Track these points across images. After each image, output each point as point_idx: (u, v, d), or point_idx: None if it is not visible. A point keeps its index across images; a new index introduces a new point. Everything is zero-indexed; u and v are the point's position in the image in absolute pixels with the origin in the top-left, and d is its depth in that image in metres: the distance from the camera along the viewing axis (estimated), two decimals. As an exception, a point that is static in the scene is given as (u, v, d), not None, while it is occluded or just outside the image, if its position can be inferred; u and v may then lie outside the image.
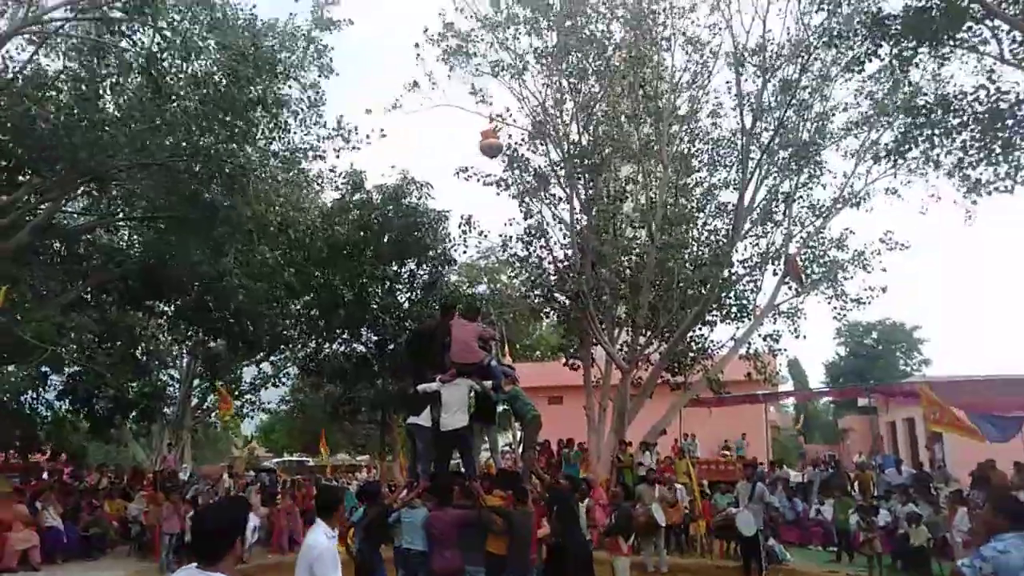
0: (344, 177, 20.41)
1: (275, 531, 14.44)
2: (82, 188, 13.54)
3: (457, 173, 16.40)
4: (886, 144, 13.09)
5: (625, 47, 15.55)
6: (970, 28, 10.98)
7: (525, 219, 16.70)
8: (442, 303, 11.58)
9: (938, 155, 11.99)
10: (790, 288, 16.61)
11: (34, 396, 17.54)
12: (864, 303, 16.56)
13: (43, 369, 16.07)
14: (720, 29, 15.13)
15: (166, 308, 18.21)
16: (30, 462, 19.72)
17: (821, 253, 16.82)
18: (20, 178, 13.18)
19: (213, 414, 22.45)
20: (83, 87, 12.48)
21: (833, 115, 14.48)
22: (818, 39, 12.49)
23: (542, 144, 16.42)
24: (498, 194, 16.43)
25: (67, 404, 18.15)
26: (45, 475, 17.41)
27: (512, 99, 16.53)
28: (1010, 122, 11.01)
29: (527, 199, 16.45)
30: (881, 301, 17.20)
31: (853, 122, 14.07)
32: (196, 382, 22.26)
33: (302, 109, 15.12)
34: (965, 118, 11.52)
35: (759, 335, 17.08)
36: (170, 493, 13.35)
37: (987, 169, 11.84)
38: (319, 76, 15.18)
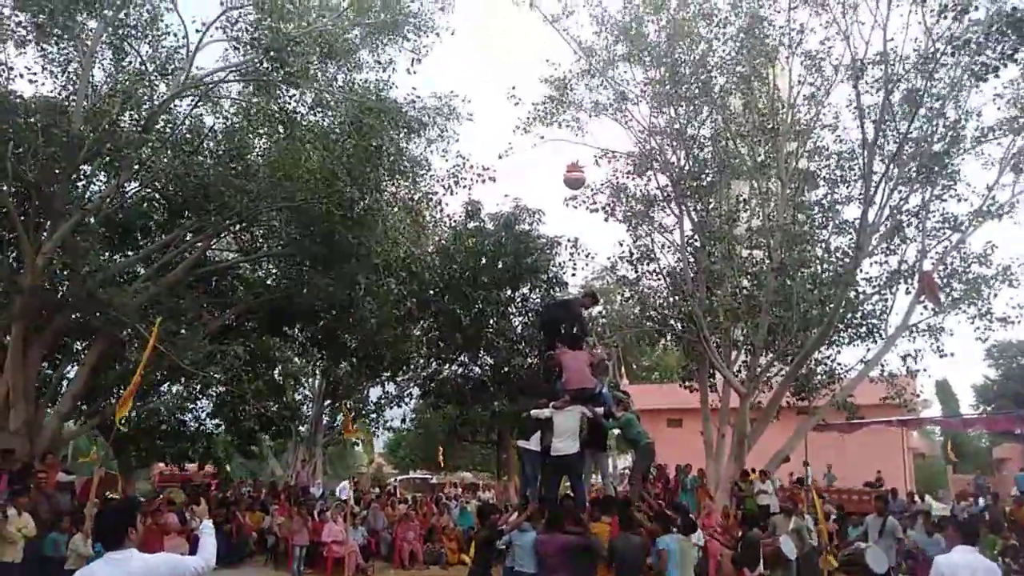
0: (461, 206, 21.34)
1: (397, 546, 15.15)
2: (230, 228, 15.06)
3: (566, 202, 16.69)
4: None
5: (734, 65, 15.30)
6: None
7: (634, 243, 16.76)
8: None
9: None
10: (926, 307, 15.48)
11: (187, 414, 19.51)
12: (1012, 322, 15.21)
13: (194, 390, 17.88)
14: (835, 41, 14.50)
15: (300, 334, 19.66)
16: (185, 474, 21.85)
17: (961, 269, 15.61)
18: (179, 220, 14.86)
19: (340, 433, 23.85)
20: (233, 140, 14.01)
21: (964, 122, 13.46)
22: (945, 45, 11.68)
23: (649, 171, 16.41)
24: (606, 220, 16.56)
25: (217, 421, 20.07)
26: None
27: (618, 128, 16.64)
28: None
29: (634, 223, 16.49)
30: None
31: (989, 128, 12.97)
32: (327, 402, 23.76)
33: (425, 161, 16.11)
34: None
35: (897, 354, 16.02)
36: (300, 507, 14.33)
37: None
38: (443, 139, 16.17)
